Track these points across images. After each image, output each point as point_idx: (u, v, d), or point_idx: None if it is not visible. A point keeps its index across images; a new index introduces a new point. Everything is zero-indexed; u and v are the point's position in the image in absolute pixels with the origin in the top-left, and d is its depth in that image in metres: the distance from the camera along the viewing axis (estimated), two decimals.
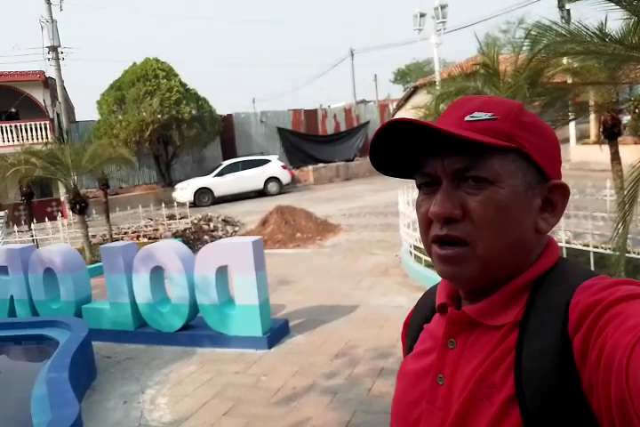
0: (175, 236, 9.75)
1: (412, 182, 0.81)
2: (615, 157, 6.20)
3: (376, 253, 7.87)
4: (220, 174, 17.22)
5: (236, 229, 11.13)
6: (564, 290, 0.64)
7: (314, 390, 3.57)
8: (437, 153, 0.68)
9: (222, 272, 4.52)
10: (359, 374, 3.76)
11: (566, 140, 15.78)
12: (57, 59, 18.35)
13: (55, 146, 9.39)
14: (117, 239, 9.47)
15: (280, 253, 8.45)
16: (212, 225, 11.09)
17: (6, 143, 17.05)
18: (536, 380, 0.60)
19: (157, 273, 4.72)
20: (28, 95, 18.24)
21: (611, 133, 6.26)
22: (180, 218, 10.91)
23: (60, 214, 11.31)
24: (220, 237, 9.59)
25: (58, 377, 3.28)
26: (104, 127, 18.35)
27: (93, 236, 9.76)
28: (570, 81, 6.85)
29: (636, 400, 0.49)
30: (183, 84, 19.17)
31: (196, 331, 4.62)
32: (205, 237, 10.23)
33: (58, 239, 9.33)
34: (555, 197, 0.70)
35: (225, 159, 19.57)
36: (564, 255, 4.80)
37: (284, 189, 17.96)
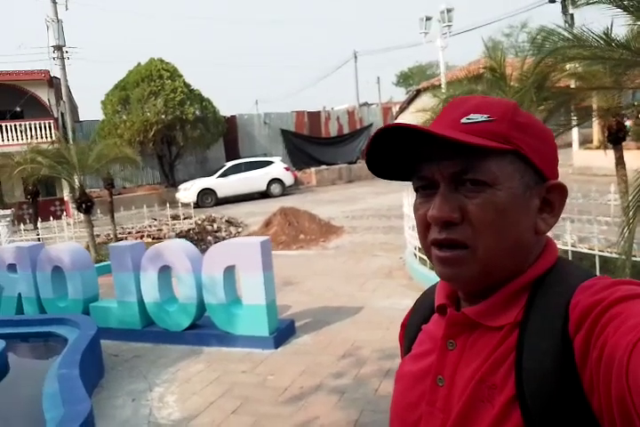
0: (179, 236, 9.78)
1: None
2: (620, 162, 6.23)
3: (379, 255, 7.90)
4: (223, 175, 17.28)
5: (240, 230, 11.17)
6: (563, 290, 0.64)
7: (321, 390, 3.60)
8: (434, 156, 0.68)
9: (230, 272, 4.55)
10: (366, 374, 3.79)
11: (569, 145, 15.81)
12: (62, 58, 18.43)
13: (62, 145, 9.44)
14: (121, 239, 9.51)
15: (283, 255, 8.48)
16: (215, 226, 11.13)
17: (11, 142, 17.12)
18: (537, 380, 0.60)
19: (165, 272, 4.75)
20: (32, 94, 18.31)
21: (615, 138, 6.29)
22: (184, 218, 10.95)
23: (64, 213, 11.35)
24: (224, 238, 9.63)
25: (69, 374, 3.32)
26: (108, 127, 18.42)
27: (97, 235, 9.80)
28: (573, 86, 6.89)
29: (637, 399, 0.50)
30: (187, 85, 19.25)
31: (202, 330, 4.65)
32: (209, 237, 10.27)
33: (62, 238, 9.37)
34: (553, 198, 0.70)
35: (228, 160, 19.63)
36: (570, 259, 4.84)
37: (286, 191, 18.00)
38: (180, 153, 20.08)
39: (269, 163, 18.12)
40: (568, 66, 5.95)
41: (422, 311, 0.84)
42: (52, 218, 10.08)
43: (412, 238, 6.82)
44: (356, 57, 31.36)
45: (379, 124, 24.58)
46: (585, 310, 0.59)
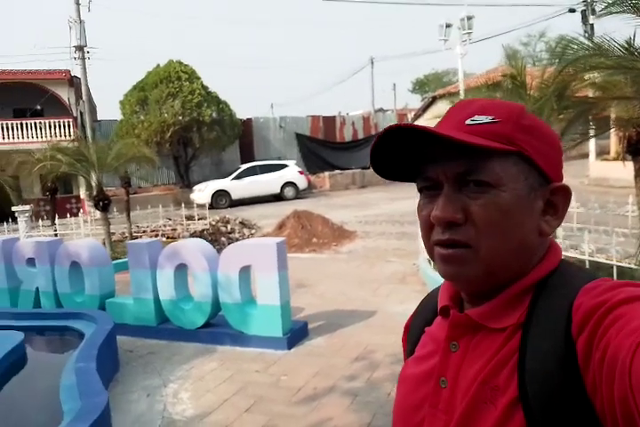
0: (193, 236, 9.85)
1: None
2: (639, 174, 6.18)
3: (392, 260, 7.89)
4: (238, 177, 17.39)
5: (253, 231, 11.23)
6: (567, 292, 0.64)
7: (334, 392, 3.61)
8: (438, 157, 0.68)
9: (245, 272, 4.59)
10: (379, 378, 3.79)
11: (585, 156, 15.69)
12: (83, 58, 18.70)
13: (82, 143, 9.58)
14: (136, 237, 9.61)
15: (296, 257, 8.49)
16: (229, 227, 11.20)
17: (31, 139, 17.39)
18: (539, 381, 0.60)
19: (181, 270, 4.80)
20: (53, 93, 18.61)
21: (635, 149, 6.24)
22: (199, 219, 11.04)
23: (80, 211, 11.50)
24: (237, 240, 9.68)
25: (86, 367, 3.36)
26: (126, 127, 18.65)
27: (113, 233, 9.91)
28: (592, 95, 6.86)
29: (639, 400, 0.50)
30: (205, 87, 19.44)
31: (216, 329, 4.69)
32: (223, 238, 10.34)
33: (79, 235, 9.49)
34: (557, 200, 0.70)
35: (243, 163, 19.78)
36: (587, 268, 4.81)
37: (300, 195, 18.07)
38: (196, 154, 20.25)
39: (284, 166, 18.22)
40: (587, 75, 5.93)
41: (425, 314, 0.84)
42: (68, 215, 10.22)
43: None
44: (372, 63, 31.45)
45: None
46: (588, 311, 0.59)
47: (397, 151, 0.71)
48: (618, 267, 4.64)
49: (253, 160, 20.46)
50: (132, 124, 18.61)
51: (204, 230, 10.48)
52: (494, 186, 0.65)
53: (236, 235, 10.70)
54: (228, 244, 9.56)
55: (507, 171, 0.66)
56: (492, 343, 0.67)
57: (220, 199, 16.96)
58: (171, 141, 18.73)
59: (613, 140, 15.60)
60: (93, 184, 8.80)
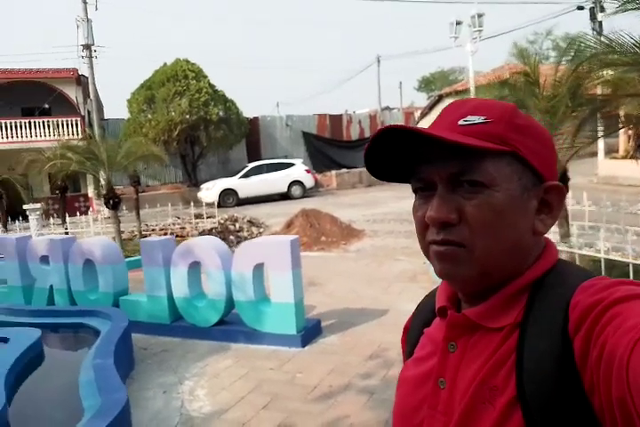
0: (202, 235, 9.88)
1: None
2: None
3: (401, 259, 7.88)
4: (245, 176, 17.41)
5: (261, 230, 11.25)
6: (563, 291, 0.64)
7: (350, 390, 3.61)
8: (432, 158, 0.68)
9: (259, 270, 4.60)
10: (394, 376, 3.79)
11: (594, 155, 15.63)
12: (90, 57, 18.75)
13: (91, 142, 9.62)
14: (145, 236, 9.64)
15: (305, 256, 8.42)
16: (237, 226, 11.23)
17: (39, 138, 17.48)
18: (537, 381, 0.60)
19: (194, 268, 4.81)
20: (61, 92, 18.69)
21: None
22: (207, 217, 11.07)
23: (89, 209, 11.55)
24: (246, 238, 9.71)
25: (104, 363, 3.38)
26: (133, 126, 18.70)
27: (122, 231, 9.95)
28: (600, 93, 6.81)
29: (637, 399, 0.49)
30: (212, 86, 19.47)
31: (230, 327, 4.70)
32: (231, 237, 10.36)
33: (89, 233, 9.53)
34: (551, 198, 0.70)
35: (250, 161, 19.80)
36: (602, 267, 4.78)
37: (307, 193, 18.07)
38: (203, 153, 20.29)
39: (291, 165, 18.22)
40: (600, 73, 5.89)
41: (424, 315, 0.84)
42: (77, 213, 10.27)
43: None
44: (379, 61, 31.37)
45: None
46: (585, 310, 0.59)
47: (391, 152, 0.71)
48: (634, 265, 4.62)
49: (260, 159, 20.48)
50: (139, 123, 18.66)
51: (212, 229, 10.51)
52: (488, 186, 0.65)
53: (245, 233, 10.72)
54: (237, 242, 9.62)
55: (500, 171, 0.66)
56: (489, 343, 0.67)
57: (228, 198, 16.99)
58: (178, 140, 18.77)
59: (622, 139, 15.53)
60: (103, 182, 8.85)
